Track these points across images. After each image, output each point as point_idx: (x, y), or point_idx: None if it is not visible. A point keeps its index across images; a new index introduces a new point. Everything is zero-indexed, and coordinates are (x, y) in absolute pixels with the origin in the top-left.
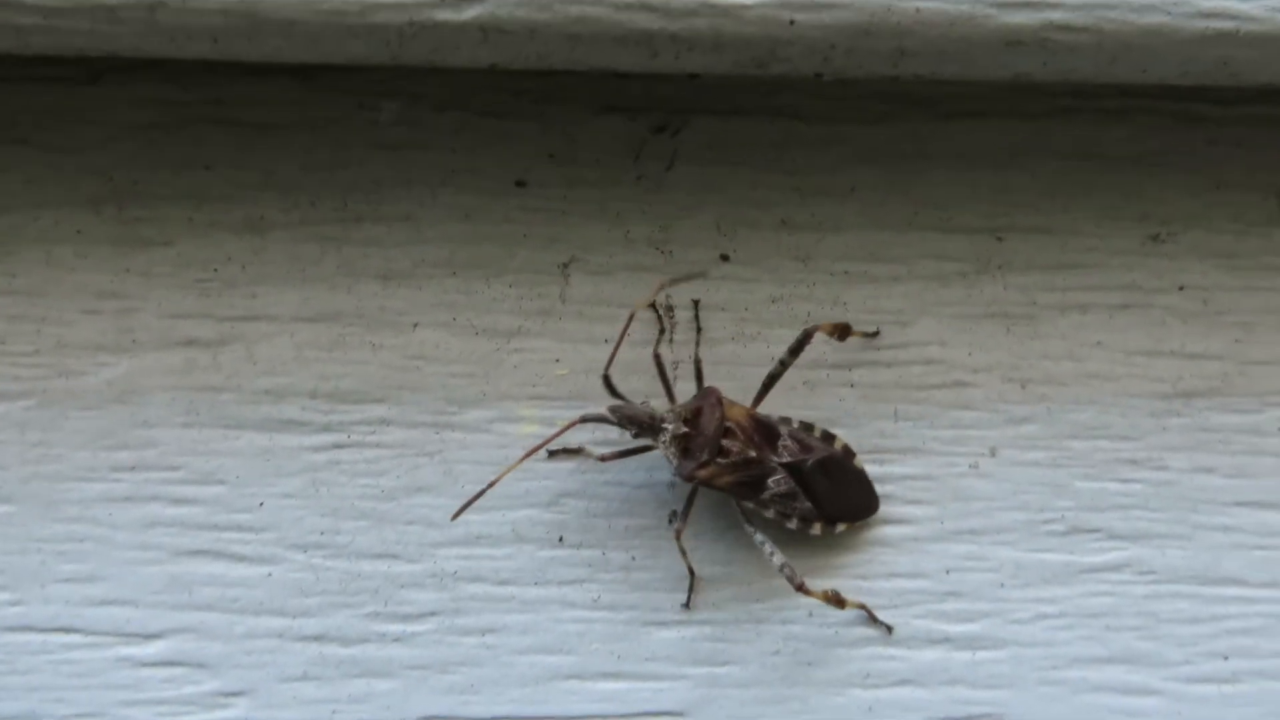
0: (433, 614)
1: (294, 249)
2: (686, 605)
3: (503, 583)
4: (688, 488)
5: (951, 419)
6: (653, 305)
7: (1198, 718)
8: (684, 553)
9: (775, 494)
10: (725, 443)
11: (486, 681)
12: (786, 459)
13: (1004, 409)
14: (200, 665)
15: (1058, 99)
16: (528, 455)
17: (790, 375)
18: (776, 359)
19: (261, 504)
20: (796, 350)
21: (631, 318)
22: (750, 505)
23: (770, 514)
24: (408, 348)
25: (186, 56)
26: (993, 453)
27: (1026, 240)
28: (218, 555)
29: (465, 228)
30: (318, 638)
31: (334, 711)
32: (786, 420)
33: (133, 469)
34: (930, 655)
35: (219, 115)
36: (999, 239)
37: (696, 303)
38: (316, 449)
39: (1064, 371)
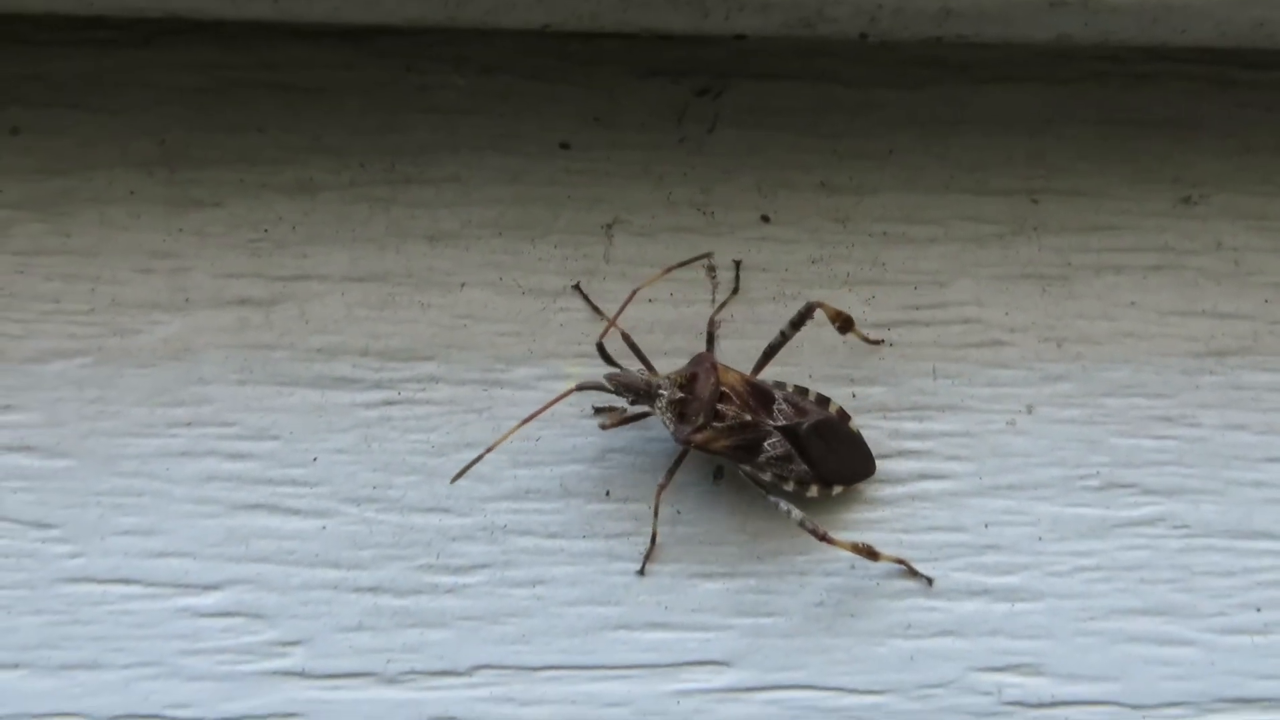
0: (484, 566)
1: (343, 210)
2: (641, 571)
3: (551, 536)
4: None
5: (989, 377)
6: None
7: (1231, 667)
8: (656, 513)
9: (771, 457)
10: (720, 407)
11: (536, 632)
12: (781, 422)
13: (1040, 367)
14: (257, 615)
15: (1091, 64)
16: (525, 422)
17: (829, 333)
18: (778, 329)
19: (315, 459)
20: (798, 323)
21: (632, 296)
22: (747, 469)
23: (767, 477)
24: (456, 307)
25: (245, 18)
26: (1029, 410)
27: (1061, 203)
28: (273, 509)
29: (511, 189)
30: (372, 589)
31: (389, 661)
32: (781, 385)
33: (189, 425)
34: (970, 607)
35: (269, 79)
36: (1034, 201)
37: (738, 264)
38: (368, 405)
39: (1099, 331)
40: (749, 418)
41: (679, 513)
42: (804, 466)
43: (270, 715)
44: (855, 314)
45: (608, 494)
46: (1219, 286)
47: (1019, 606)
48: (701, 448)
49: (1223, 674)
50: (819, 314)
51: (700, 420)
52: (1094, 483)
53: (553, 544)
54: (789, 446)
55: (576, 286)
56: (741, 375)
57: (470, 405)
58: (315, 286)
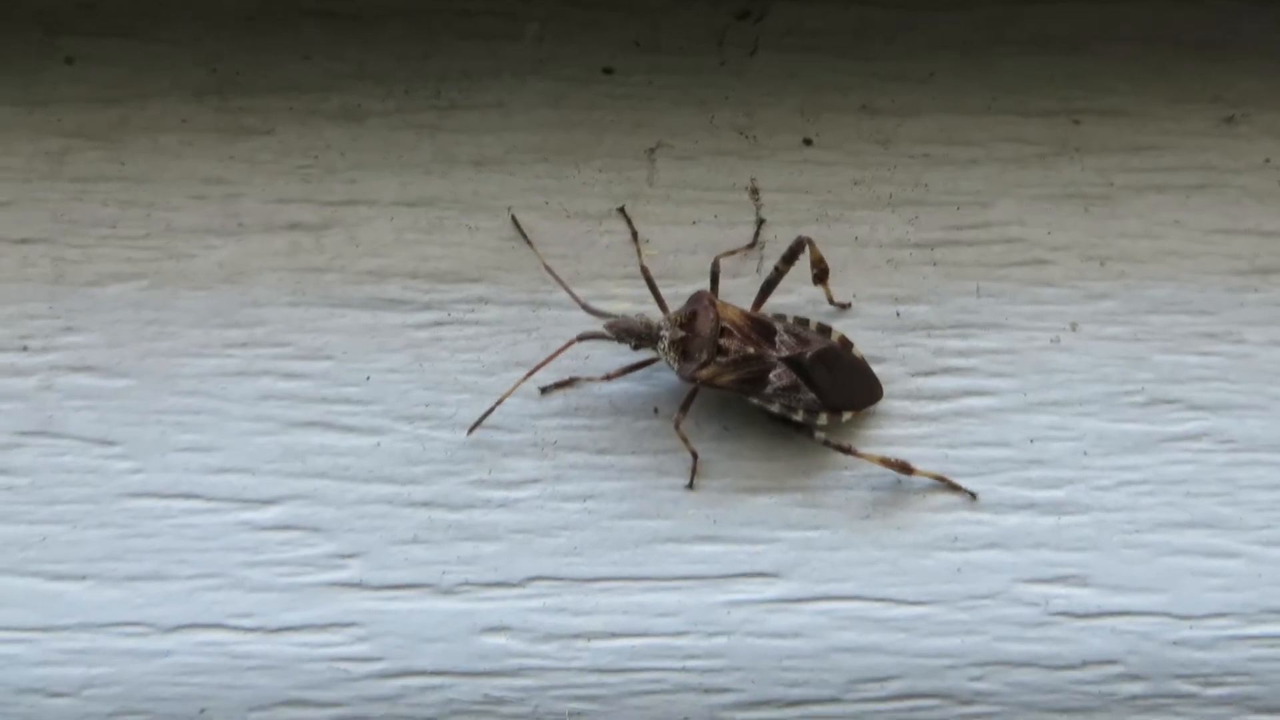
0: (535, 481)
1: (390, 136)
2: (690, 486)
3: (601, 451)
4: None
5: (1032, 295)
6: (624, 215)
7: (1277, 578)
8: (685, 439)
9: (778, 388)
10: (723, 342)
11: (588, 544)
12: (785, 353)
13: (1083, 286)
14: (315, 529)
15: None
16: (530, 374)
17: (873, 253)
18: (773, 265)
19: (368, 378)
20: (790, 258)
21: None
22: (756, 402)
23: (775, 408)
24: (502, 230)
25: None
26: (1073, 327)
27: (1102, 123)
28: (328, 426)
29: (555, 114)
30: (426, 504)
31: (444, 572)
32: (781, 317)
33: (244, 345)
34: (1015, 520)
35: (314, 6)
36: (1075, 122)
37: (760, 222)
38: (418, 326)
39: (1141, 250)
40: (752, 350)
41: (726, 429)
42: (811, 395)
43: (329, 625)
44: (898, 234)
45: (655, 411)
46: (1262, 205)
47: (1065, 520)
48: (708, 384)
49: (1269, 585)
50: (807, 251)
51: (704, 356)
52: (1139, 399)
53: (602, 459)
54: (794, 377)
55: (621, 210)
56: (741, 310)
57: (519, 325)
58: (364, 211)
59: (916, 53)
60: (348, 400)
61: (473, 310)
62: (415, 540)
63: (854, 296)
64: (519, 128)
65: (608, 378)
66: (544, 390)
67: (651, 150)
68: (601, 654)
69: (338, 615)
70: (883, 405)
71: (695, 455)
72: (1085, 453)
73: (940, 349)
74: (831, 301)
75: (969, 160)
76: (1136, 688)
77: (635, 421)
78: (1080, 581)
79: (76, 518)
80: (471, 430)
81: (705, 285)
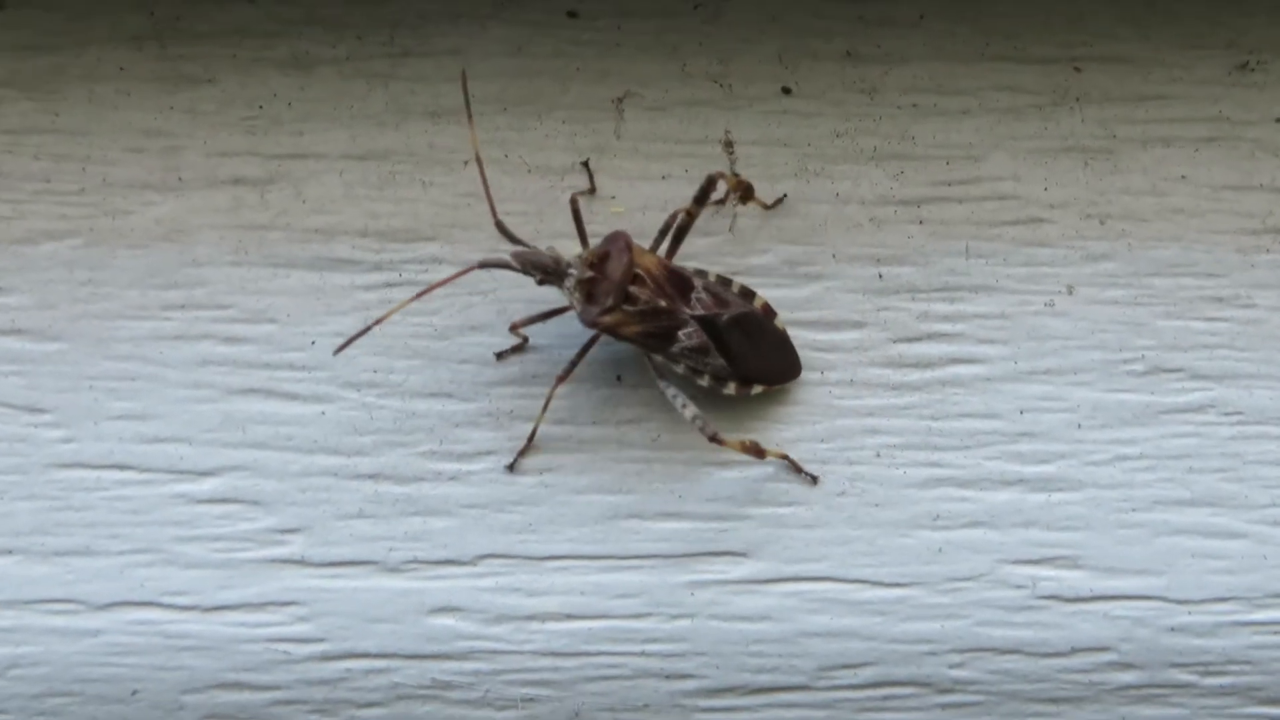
0: (489, 453)
1: (340, 86)
2: (510, 467)
3: (559, 422)
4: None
5: (1026, 256)
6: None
7: None
8: (545, 405)
9: (685, 347)
10: (633, 290)
11: (544, 520)
12: (700, 312)
13: (1081, 246)
14: (255, 503)
15: None
16: (418, 296)
17: (855, 210)
18: (683, 209)
19: (313, 343)
20: (701, 199)
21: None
22: (659, 359)
23: (680, 369)
24: (458, 186)
25: None
26: (1070, 290)
27: (1105, 70)
28: (270, 394)
29: (515, 62)
30: (373, 476)
31: (390, 549)
32: (702, 273)
33: (183, 307)
34: (1003, 497)
35: None
36: (1076, 69)
37: (709, 178)
38: (368, 288)
39: (1145, 207)
40: (663, 303)
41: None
42: (721, 361)
43: (269, 604)
44: (883, 190)
45: (619, 379)
46: (1277, 159)
47: (1055, 497)
48: (610, 331)
49: (1275, 567)
50: (721, 187)
51: (609, 302)
52: (1138, 367)
53: (560, 430)
54: (705, 338)
55: (585, 164)
56: (659, 259)
57: (474, 287)
58: (312, 165)
59: None
60: (291, 366)
61: (426, 270)
62: (361, 515)
63: (834, 257)
64: (477, 76)
65: (513, 328)
66: (499, 356)
67: (619, 100)
68: (556, 636)
69: (277, 593)
70: (863, 373)
71: (533, 434)
72: (1079, 425)
73: (925, 313)
74: (766, 207)
75: (960, 111)
76: (1130, 677)
77: (596, 390)
78: (1071, 563)
79: (3, 489)
80: (338, 350)
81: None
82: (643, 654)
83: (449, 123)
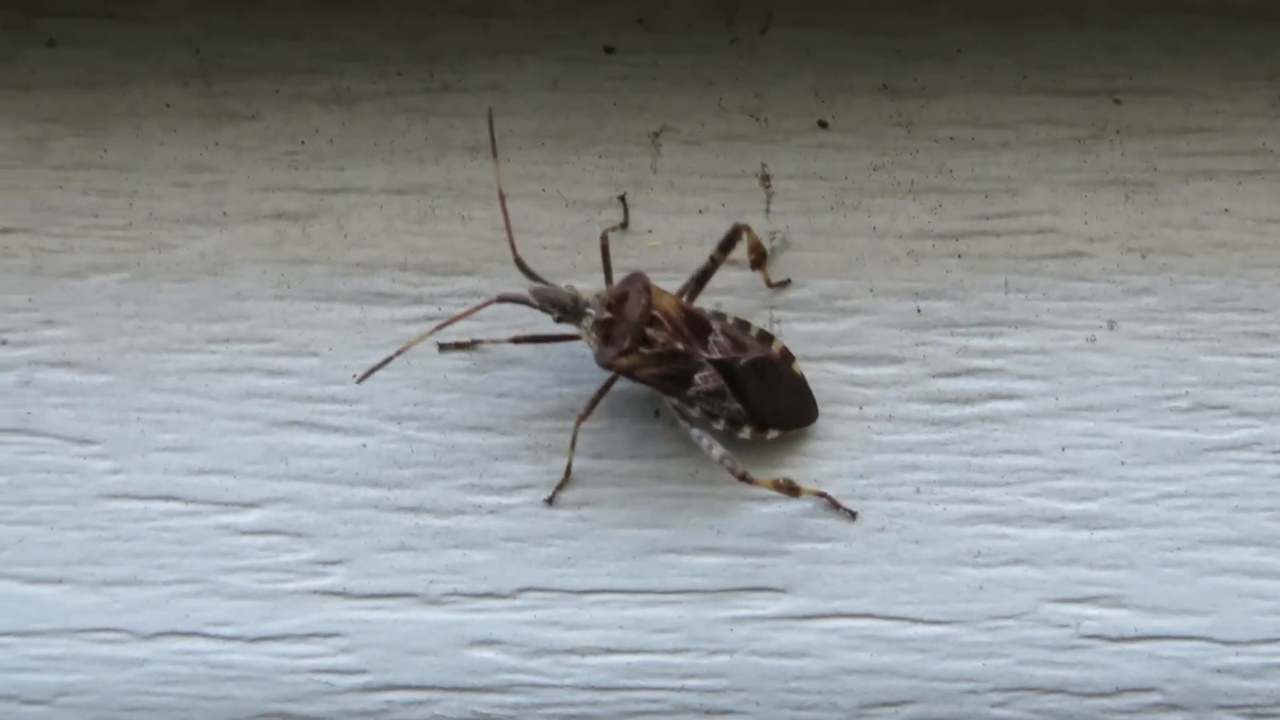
0: (528, 486)
1: (381, 121)
2: (550, 501)
3: (597, 456)
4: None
5: (1066, 290)
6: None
7: None
8: (573, 444)
9: (702, 391)
10: (650, 332)
11: (582, 554)
12: (717, 355)
13: (1123, 280)
14: (298, 534)
15: None
16: (438, 328)
17: (892, 244)
18: (708, 255)
19: (354, 376)
20: (727, 247)
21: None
22: (675, 402)
23: (695, 412)
24: (497, 220)
25: None
26: (1111, 326)
27: (1146, 102)
28: (313, 426)
29: (553, 97)
30: (413, 509)
31: (431, 581)
32: (720, 315)
33: (226, 340)
34: (1045, 534)
35: None
36: (1116, 101)
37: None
38: (408, 321)
39: (1188, 241)
40: (680, 346)
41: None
42: (737, 405)
43: (311, 635)
44: (921, 224)
45: (656, 414)
46: None
47: (1099, 535)
48: (626, 374)
49: None
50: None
51: (626, 344)
52: (1182, 404)
53: (599, 464)
54: (722, 382)
55: (621, 198)
56: (677, 300)
57: (513, 320)
58: (353, 199)
59: (942, 27)
60: (333, 399)
61: (465, 304)
62: (402, 547)
63: (871, 291)
64: (515, 111)
65: (514, 340)
66: (442, 348)
67: (655, 134)
68: (595, 671)
69: (320, 625)
70: (902, 408)
71: (568, 469)
72: (1123, 462)
73: (965, 348)
74: (769, 284)
75: (998, 144)
76: (1176, 718)
77: (634, 424)
78: (1115, 602)
79: (54, 519)
80: (361, 379)
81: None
82: (682, 689)
83: (488, 157)
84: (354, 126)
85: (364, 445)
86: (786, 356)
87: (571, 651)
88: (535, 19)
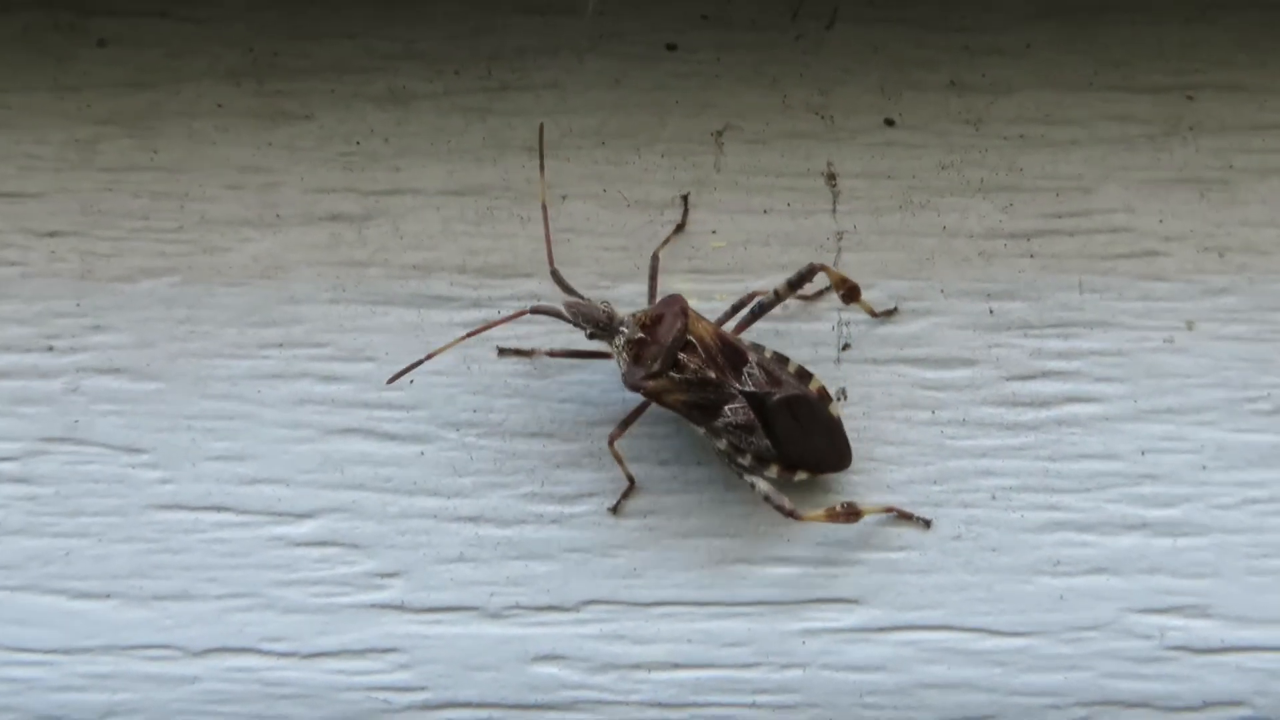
0: (591, 495)
1: (438, 120)
2: (614, 510)
3: (664, 463)
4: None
5: (1142, 290)
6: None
7: None
8: (621, 460)
9: (730, 424)
10: (683, 356)
11: (649, 565)
12: (749, 388)
13: (1200, 280)
14: (354, 546)
15: None
16: (471, 334)
17: (963, 244)
18: (772, 288)
19: (412, 381)
20: (796, 284)
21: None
22: (701, 432)
23: (722, 444)
24: (556, 221)
25: None
26: (1189, 326)
27: (1220, 99)
28: (369, 434)
29: (614, 95)
30: (473, 518)
31: (492, 594)
32: (758, 348)
33: (280, 345)
34: (1126, 542)
35: None
36: (1189, 98)
37: (685, 197)
38: (466, 325)
39: (1266, 239)
40: (712, 375)
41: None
42: (765, 442)
43: (369, 650)
44: (991, 223)
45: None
46: None
47: (1181, 542)
48: (653, 397)
49: None
50: (821, 279)
51: (656, 367)
52: (1264, 406)
53: (665, 471)
54: (752, 416)
55: (685, 198)
56: (714, 328)
57: (557, 328)
58: (409, 201)
59: (1011, 22)
60: (390, 405)
61: (523, 307)
62: (461, 558)
63: (942, 292)
64: (575, 110)
65: (551, 354)
66: (501, 352)
67: (719, 133)
68: (663, 686)
69: (377, 640)
70: (975, 412)
71: (631, 480)
72: (1204, 466)
73: (1039, 350)
74: (874, 314)
75: (1069, 141)
76: None
77: (701, 429)
78: (1200, 612)
79: (102, 531)
80: (391, 380)
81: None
82: (753, 705)
83: (547, 157)
84: (410, 126)
85: (422, 453)
86: (824, 397)
87: (638, 666)
88: (596, 15)
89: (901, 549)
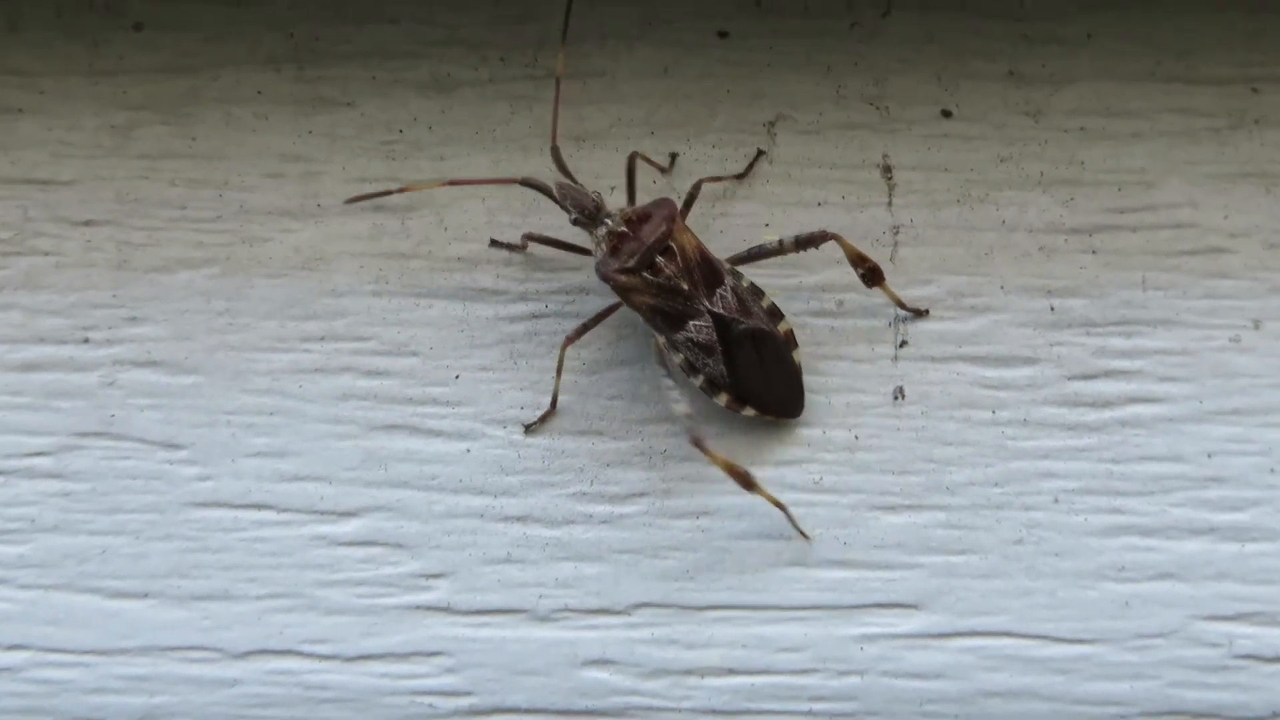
0: (642, 495)
1: (482, 109)
2: (528, 429)
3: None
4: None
5: (1207, 288)
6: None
7: None
8: (559, 369)
9: (692, 339)
10: (660, 260)
11: (701, 567)
12: (719, 310)
13: (1267, 277)
14: (399, 545)
15: None
16: (452, 183)
17: (1023, 239)
18: (779, 237)
19: (457, 376)
20: (803, 244)
21: (559, 83)
22: (661, 340)
23: (679, 359)
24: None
25: None
26: (1256, 325)
27: None
28: (413, 430)
29: (663, 84)
30: (521, 518)
31: (540, 596)
32: (737, 274)
33: (322, 339)
34: (1192, 547)
35: None
36: (1254, 90)
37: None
38: (513, 319)
39: None
40: (684, 286)
41: (856, 438)
42: (722, 368)
43: (413, 654)
44: (1052, 217)
45: (774, 418)
46: None
47: (1250, 547)
48: (621, 292)
49: None
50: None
51: (631, 262)
52: None
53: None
54: (714, 338)
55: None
56: (699, 242)
57: (623, 319)
58: (454, 192)
59: (1071, 11)
60: (435, 401)
61: (573, 301)
62: (509, 559)
63: (1002, 288)
64: (624, 98)
65: (529, 237)
66: (493, 243)
67: (771, 123)
68: (717, 693)
69: (423, 642)
70: (1037, 412)
71: (554, 400)
72: (1273, 470)
73: (1102, 349)
74: (904, 307)
75: (1130, 134)
76: None
77: (752, 429)
78: (1270, 619)
79: (139, 528)
80: (350, 200)
81: (828, 277)
82: (810, 713)
83: (595, 147)
84: (454, 114)
85: (468, 450)
86: (790, 341)
87: (690, 672)
88: (646, 2)
89: (961, 553)
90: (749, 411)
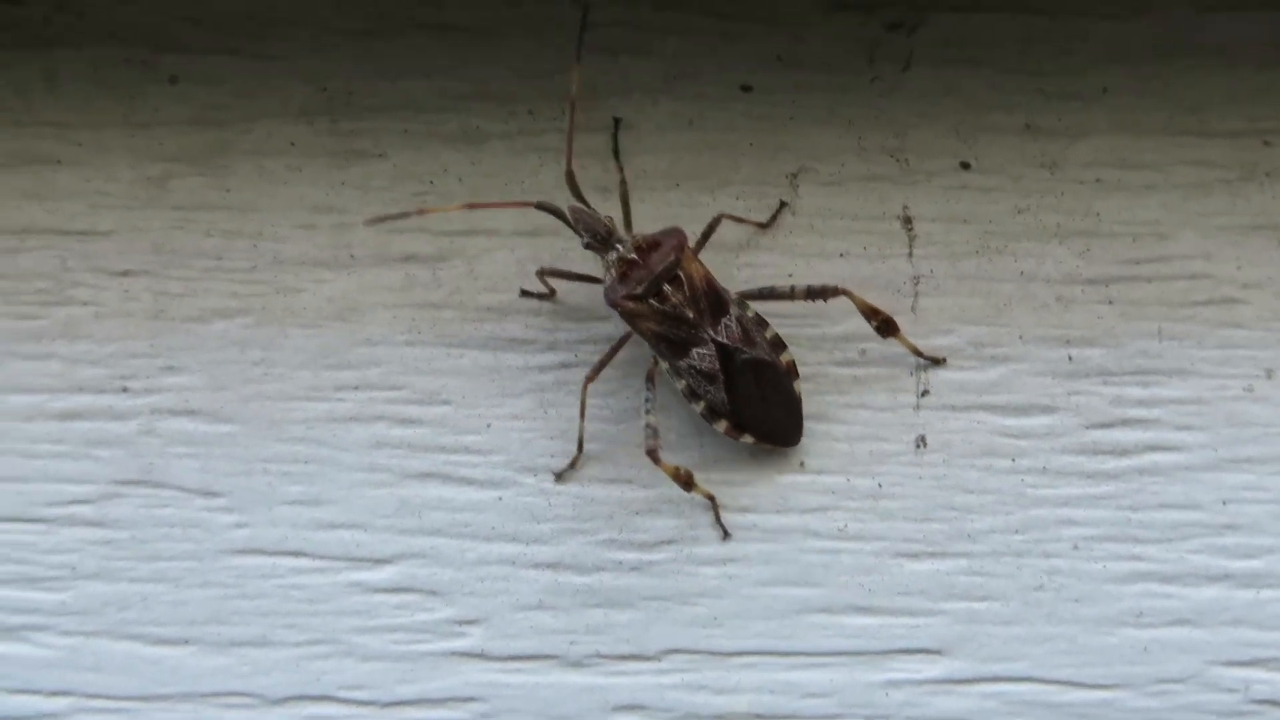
0: (670, 542)
1: (511, 160)
2: (558, 477)
3: (742, 510)
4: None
5: (1221, 338)
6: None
7: None
8: (582, 412)
9: (694, 367)
10: (667, 288)
11: (729, 614)
12: (722, 339)
13: (1279, 328)
14: (432, 592)
15: None
16: (468, 206)
17: (1040, 289)
18: (792, 283)
19: (489, 425)
20: (813, 294)
21: (573, 109)
22: (665, 367)
23: (681, 385)
24: None
25: None
26: (1269, 375)
27: None
28: (446, 478)
29: (687, 136)
30: (552, 565)
31: (571, 643)
32: (744, 305)
33: (356, 388)
34: (1209, 593)
35: (433, 20)
36: (1266, 143)
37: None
38: (543, 368)
39: None
40: (690, 314)
41: (879, 486)
42: (723, 396)
43: (448, 699)
44: (1068, 269)
45: (801, 465)
46: None
47: (1265, 594)
48: (628, 319)
49: None
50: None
51: (639, 290)
52: None
53: (744, 519)
54: (717, 367)
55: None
56: (708, 273)
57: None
58: (484, 242)
59: (1087, 66)
60: (467, 449)
61: (599, 350)
62: (541, 606)
63: (1020, 338)
64: (649, 150)
65: (542, 272)
66: (524, 293)
67: (794, 175)
68: None
69: (457, 688)
70: (1056, 460)
71: (580, 444)
72: None
73: (1119, 398)
74: (921, 355)
75: (1145, 186)
76: None
77: (779, 476)
78: None
79: (179, 575)
80: (369, 221)
81: (852, 328)
82: None
83: (627, 196)
84: (484, 166)
85: (500, 498)
86: (791, 371)
87: (720, 717)
88: (670, 56)
89: (983, 599)
90: (747, 438)
